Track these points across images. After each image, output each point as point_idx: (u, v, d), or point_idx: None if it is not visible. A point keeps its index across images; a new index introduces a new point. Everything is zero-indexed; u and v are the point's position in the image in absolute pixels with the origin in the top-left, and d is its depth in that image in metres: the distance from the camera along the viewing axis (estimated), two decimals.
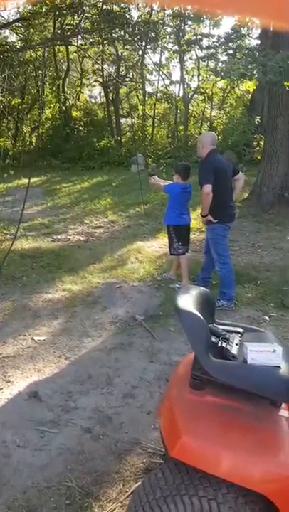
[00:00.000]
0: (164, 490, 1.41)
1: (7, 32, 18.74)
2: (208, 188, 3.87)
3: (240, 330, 1.79)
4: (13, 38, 19.01)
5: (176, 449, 1.42)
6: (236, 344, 1.65)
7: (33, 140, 18.44)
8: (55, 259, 5.54)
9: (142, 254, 5.75)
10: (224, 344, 1.62)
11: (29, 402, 2.73)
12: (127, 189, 10.83)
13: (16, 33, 18.51)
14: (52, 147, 17.58)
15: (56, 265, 5.28)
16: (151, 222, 7.53)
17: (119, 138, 17.89)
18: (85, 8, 16.10)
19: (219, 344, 1.62)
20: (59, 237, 6.78)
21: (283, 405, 1.55)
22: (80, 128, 18.44)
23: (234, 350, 1.60)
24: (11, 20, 17.67)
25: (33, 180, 5.68)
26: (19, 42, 18.03)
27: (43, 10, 15.64)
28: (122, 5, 15.79)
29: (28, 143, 18.96)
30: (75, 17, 16.55)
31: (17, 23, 17.49)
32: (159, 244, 6.22)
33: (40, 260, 5.47)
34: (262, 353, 1.52)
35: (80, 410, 2.66)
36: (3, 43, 17.94)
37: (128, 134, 18.69)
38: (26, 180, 5.58)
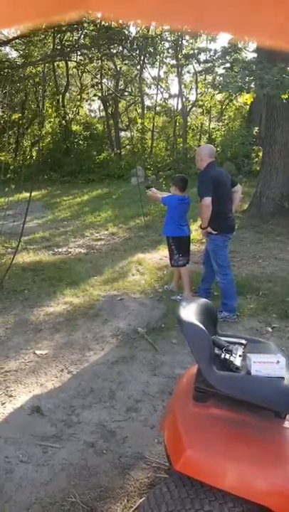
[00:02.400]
0: (170, 504, 1.39)
1: (7, 49, 19.10)
2: (207, 200, 3.89)
3: (244, 341, 1.79)
4: (13, 54, 19.36)
5: (180, 462, 1.41)
6: (240, 356, 1.64)
7: (34, 154, 18.61)
8: (56, 272, 5.54)
9: (142, 266, 5.75)
10: (227, 356, 1.62)
11: (32, 416, 2.72)
12: (127, 201, 10.89)
13: (16, 50, 18.84)
14: (52, 161, 17.72)
15: (57, 278, 5.29)
16: (152, 234, 7.55)
17: (118, 151, 18.04)
18: (84, 24, 16.42)
19: (222, 356, 1.62)
20: (60, 250, 6.80)
21: (288, 417, 1.54)
22: (80, 142, 18.60)
23: (238, 361, 1.60)
24: (11, 37, 18.02)
25: (33, 193, 5.72)
26: (19, 58, 18.33)
27: (43, 26, 15.95)
28: (121, 21, 16.10)
29: (28, 157, 19.13)
30: (74, 33, 16.85)
31: (17, 40, 17.82)
32: (160, 256, 6.22)
33: (42, 273, 5.48)
34: (265, 364, 1.52)
35: (82, 425, 2.64)
36: (4, 59, 18.25)
37: (128, 147, 18.86)
38: (27, 194, 5.61)
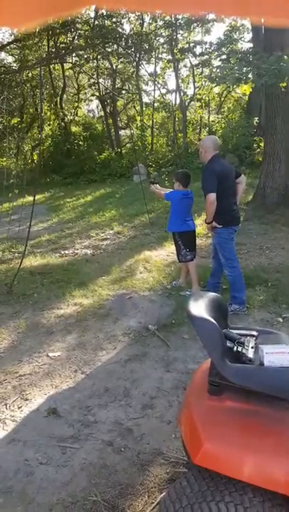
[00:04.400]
0: (190, 498, 1.40)
1: (3, 54, 19.16)
2: (212, 196, 3.86)
3: (255, 333, 1.79)
4: (9, 59, 19.42)
5: (198, 455, 1.43)
6: (252, 347, 1.65)
7: (35, 158, 18.66)
8: (64, 274, 5.57)
9: (150, 263, 5.76)
10: (240, 348, 1.62)
11: (48, 418, 2.74)
12: (131, 199, 10.90)
13: (11, 55, 18.89)
14: (53, 163, 17.78)
15: (66, 280, 5.31)
16: (157, 230, 7.55)
17: (119, 150, 18.04)
18: (77, 25, 16.40)
19: (235, 348, 1.62)
20: (66, 252, 6.82)
21: None
22: (80, 142, 18.62)
23: (250, 353, 1.60)
24: (5, 42, 18.08)
25: (37, 197, 5.75)
26: (15, 63, 18.37)
27: (37, 30, 15.96)
28: (114, 19, 16.07)
29: (29, 161, 19.19)
30: (69, 35, 16.85)
31: (12, 45, 17.86)
32: (166, 253, 6.23)
33: (50, 276, 5.51)
34: (278, 355, 1.52)
35: (99, 424, 2.66)
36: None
37: (128, 145, 18.85)
38: (31, 198, 5.63)
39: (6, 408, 2.87)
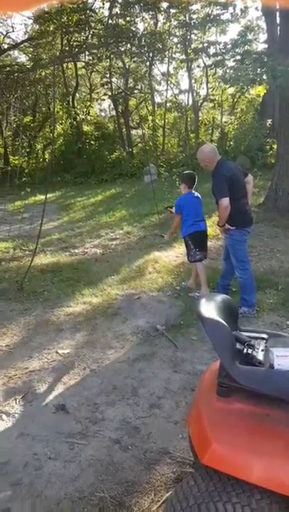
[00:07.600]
0: (197, 497, 1.42)
1: (16, 53, 19.29)
2: (226, 201, 3.84)
3: (265, 336, 1.80)
4: (22, 58, 19.56)
5: (207, 456, 1.44)
6: (262, 350, 1.66)
7: (47, 157, 18.76)
8: (74, 272, 5.61)
9: (159, 264, 5.77)
10: (250, 350, 1.63)
11: (57, 414, 2.78)
12: (141, 200, 10.91)
13: (25, 53, 19.02)
14: (65, 162, 17.86)
15: (75, 279, 5.35)
16: (167, 231, 7.53)
17: (130, 149, 18.08)
18: (91, 24, 16.45)
19: (245, 351, 1.63)
20: (76, 250, 6.87)
21: None
22: (92, 142, 18.69)
23: (260, 356, 1.61)
24: (19, 40, 18.22)
25: (48, 196, 5.78)
26: (28, 62, 18.49)
27: (51, 28, 16.07)
28: (128, 18, 16.09)
29: (41, 160, 19.30)
30: (82, 33, 16.91)
31: (26, 43, 17.98)
32: (175, 254, 6.24)
33: (60, 274, 5.55)
34: (288, 358, 1.53)
35: (107, 421, 2.69)
36: (13, 63, 18.44)
37: (139, 145, 18.87)
38: (42, 197, 5.67)
39: (16, 403, 2.91)
